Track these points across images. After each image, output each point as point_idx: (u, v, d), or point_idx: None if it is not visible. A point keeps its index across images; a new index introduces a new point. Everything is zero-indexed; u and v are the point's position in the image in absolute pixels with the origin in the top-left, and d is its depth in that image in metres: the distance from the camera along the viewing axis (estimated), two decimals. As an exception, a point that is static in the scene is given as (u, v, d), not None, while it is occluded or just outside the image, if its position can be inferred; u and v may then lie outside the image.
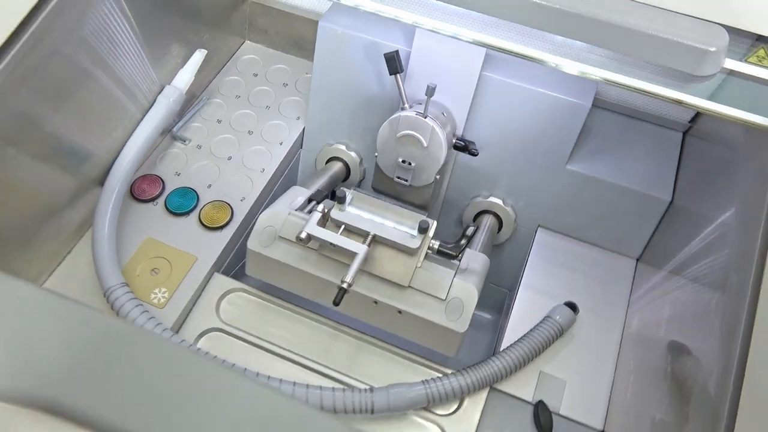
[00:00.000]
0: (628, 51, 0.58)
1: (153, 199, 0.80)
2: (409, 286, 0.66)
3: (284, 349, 0.72)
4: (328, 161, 0.91)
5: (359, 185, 0.93)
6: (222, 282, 0.76)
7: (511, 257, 0.90)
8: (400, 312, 0.66)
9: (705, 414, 0.49)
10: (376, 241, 0.66)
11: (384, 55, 0.74)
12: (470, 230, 0.68)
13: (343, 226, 0.66)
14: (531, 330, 0.72)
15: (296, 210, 0.71)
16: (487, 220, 0.85)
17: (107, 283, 0.69)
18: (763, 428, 0.43)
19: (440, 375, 0.69)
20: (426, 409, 0.68)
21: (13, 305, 0.38)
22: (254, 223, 0.71)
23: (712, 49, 0.56)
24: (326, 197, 0.76)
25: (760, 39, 0.59)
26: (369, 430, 0.66)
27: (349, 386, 0.69)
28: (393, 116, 0.76)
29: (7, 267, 0.67)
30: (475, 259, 0.71)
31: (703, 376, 0.52)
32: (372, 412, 0.65)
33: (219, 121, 0.90)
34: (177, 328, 0.72)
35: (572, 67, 0.59)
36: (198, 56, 0.85)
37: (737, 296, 0.51)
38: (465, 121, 0.79)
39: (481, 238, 0.80)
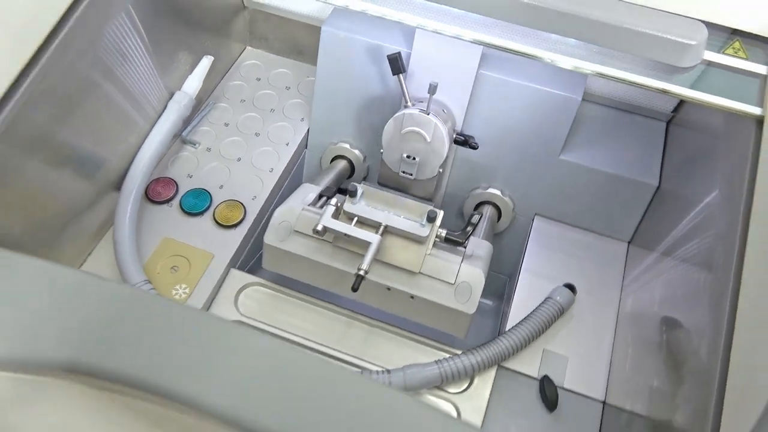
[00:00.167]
0: (617, 47, 0.63)
1: (168, 201, 0.84)
2: (420, 273, 0.70)
3: (301, 337, 0.75)
4: (332, 160, 0.95)
5: (363, 181, 0.97)
6: (239, 277, 0.79)
7: (510, 245, 0.94)
8: (412, 297, 0.70)
9: (699, 374, 0.54)
10: (387, 231, 0.70)
11: (387, 56, 0.77)
12: (475, 218, 0.72)
13: (355, 218, 0.70)
14: (534, 310, 0.77)
15: (309, 205, 0.75)
16: (487, 211, 0.89)
17: (131, 281, 0.72)
18: (751, 382, 0.48)
19: (450, 356, 0.73)
20: (439, 387, 0.72)
21: (45, 284, 0.42)
22: (268, 219, 0.74)
23: (693, 42, 0.61)
24: (336, 193, 0.80)
25: (735, 32, 0.64)
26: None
27: (365, 370, 0.73)
28: (397, 114, 0.79)
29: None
30: (479, 245, 0.75)
31: (696, 342, 0.56)
32: (389, 391, 0.69)
33: (226, 125, 0.93)
34: (199, 321, 0.75)
35: (566, 62, 0.64)
36: (206, 62, 0.88)
37: (723, 270, 0.55)
38: (464, 117, 0.83)
39: (482, 227, 0.85)
